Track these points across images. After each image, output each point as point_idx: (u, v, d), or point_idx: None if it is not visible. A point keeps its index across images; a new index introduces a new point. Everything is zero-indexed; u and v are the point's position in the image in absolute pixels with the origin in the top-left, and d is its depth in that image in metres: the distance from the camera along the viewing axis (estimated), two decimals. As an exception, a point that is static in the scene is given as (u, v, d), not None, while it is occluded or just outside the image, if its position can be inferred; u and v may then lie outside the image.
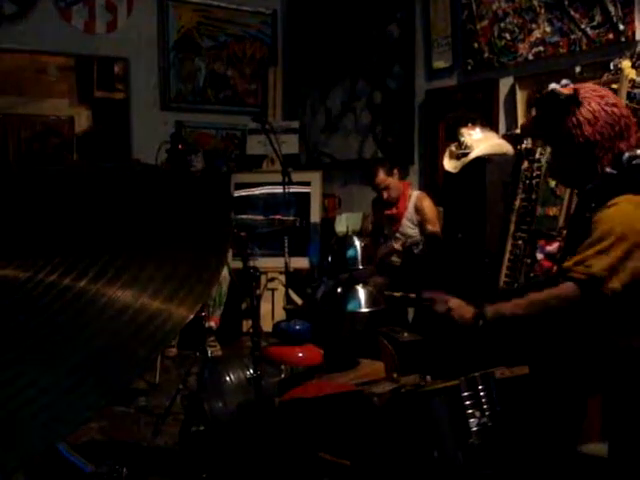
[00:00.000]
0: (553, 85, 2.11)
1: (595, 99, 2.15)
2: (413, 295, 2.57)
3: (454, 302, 2.32)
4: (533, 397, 2.27)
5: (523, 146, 4.04)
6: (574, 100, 2.14)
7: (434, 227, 4.95)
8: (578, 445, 2.32)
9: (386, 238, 5.22)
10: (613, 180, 2.13)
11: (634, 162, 2.12)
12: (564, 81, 3.95)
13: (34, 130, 8.84)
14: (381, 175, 5.08)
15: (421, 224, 5.04)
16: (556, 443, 2.24)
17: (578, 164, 2.19)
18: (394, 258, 5.03)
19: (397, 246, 4.99)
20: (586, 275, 2.04)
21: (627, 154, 2.13)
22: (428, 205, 5.06)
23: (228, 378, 3.11)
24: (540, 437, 2.22)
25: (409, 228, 5.09)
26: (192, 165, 5.56)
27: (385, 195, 5.09)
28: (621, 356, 2.11)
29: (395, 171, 5.13)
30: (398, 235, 5.11)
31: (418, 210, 5.06)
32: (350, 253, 3.29)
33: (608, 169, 2.14)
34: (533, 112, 4.06)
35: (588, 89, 2.20)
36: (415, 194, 5.19)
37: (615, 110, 2.15)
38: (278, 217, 4.79)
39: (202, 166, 5.76)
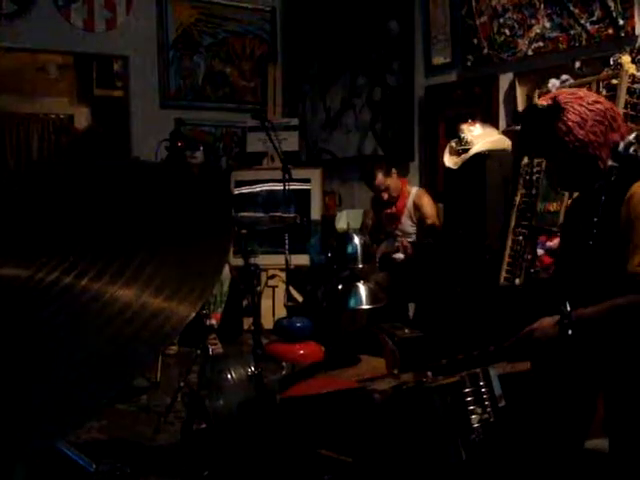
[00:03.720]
0: (552, 82, 2.12)
1: (576, 101, 2.15)
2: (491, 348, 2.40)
3: (534, 326, 2.22)
4: (539, 393, 2.27)
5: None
6: (556, 108, 2.14)
7: (433, 222, 4.95)
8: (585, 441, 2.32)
9: (387, 235, 5.22)
10: (620, 172, 2.13)
11: (631, 150, 2.13)
12: (564, 76, 3.96)
13: (42, 128, 8.84)
14: (379, 177, 5.06)
15: (420, 220, 5.03)
16: (564, 439, 2.24)
17: (579, 167, 2.19)
18: (396, 255, 5.02)
19: (405, 243, 4.96)
20: None
21: (622, 144, 2.14)
22: (427, 202, 5.06)
23: (229, 376, 3.10)
24: (547, 433, 2.22)
25: (409, 226, 5.09)
26: (193, 157, 5.55)
27: (385, 196, 5.08)
28: (625, 351, 2.11)
29: (393, 171, 5.12)
30: (398, 232, 5.11)
31: (417, 207, 5.06)
32: (350, 250, 3.29)
33: (610, 162, 2.14)
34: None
35: (566, 94, 2.20)
36: (414, 191, 5.18)
37: (598, 106, 2.15)
38: (278, 214, 4.79)
39: (202, 160, 5.76)
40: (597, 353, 2.17)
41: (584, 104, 2.14)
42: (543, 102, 2.20)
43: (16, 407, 0.75)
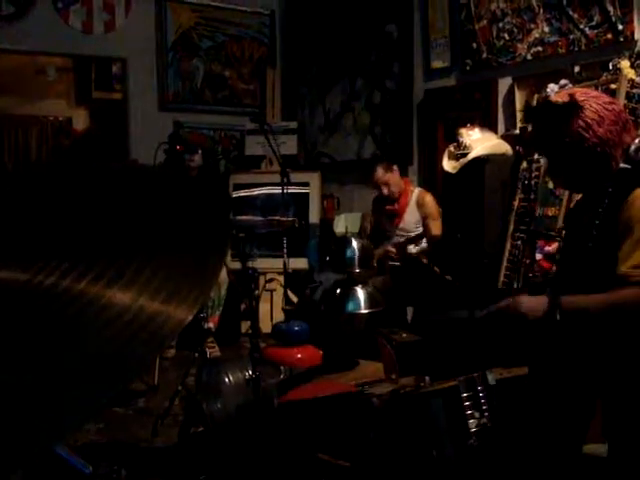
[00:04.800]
0: (551, 87, 2.12)
1: (593, 100, 2.15)
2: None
3: (521, 297, 2.21)
4: (536, 398, 2.26)
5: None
6: (573, 105, 2.13)
7: (435, 220, 4.93)
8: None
9: (387, 237, 5.21)
10: (628, 175, 2.13)
11: None
12: (563, 81, 3.96)
13: (41, 131, 8.84)
14: (379, 172, 5.07)
15: (424, 220, 5.03)
16: (562, 443, 2.23)
17: (591, 166, 2.18)
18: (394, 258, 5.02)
19: (390, 247, 4.98)
20: None
21: (633, 146, 2.14)
22: (430, 200, 5.06)
23: (227, 379, 3.10)
24: (544, 438, 2.21)
25: (411, 224, 5.09)
26: (192, 160, 5.54)
27: (385, 191, 5.08)
28: (623, 356, 2.10)
29: (394, 167, 5.12)
30: (399, 231, 5.11)
31: (420, 205, 5.06)
32: (348, 254, 3.30)
33: (622, 164, 2.14)
34: (529, 127, 4.04)
35: (581, 92, 2.20)
36: (417, 190, 5.20)
37: (614, 107, 2.16)
38: (277, 218, 4.78)
39: (200, 163, 5.76)
40: (593, 357, 2.16)
41: (600, 103, 2.14)
42: (558, 99, 2.19)
43: (14, 409, 0.74)
